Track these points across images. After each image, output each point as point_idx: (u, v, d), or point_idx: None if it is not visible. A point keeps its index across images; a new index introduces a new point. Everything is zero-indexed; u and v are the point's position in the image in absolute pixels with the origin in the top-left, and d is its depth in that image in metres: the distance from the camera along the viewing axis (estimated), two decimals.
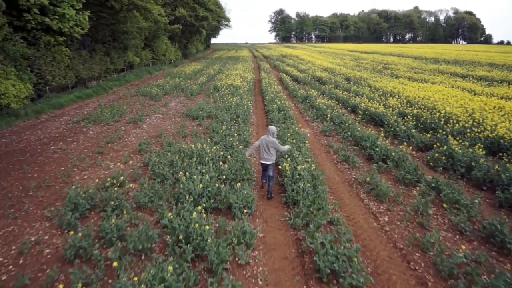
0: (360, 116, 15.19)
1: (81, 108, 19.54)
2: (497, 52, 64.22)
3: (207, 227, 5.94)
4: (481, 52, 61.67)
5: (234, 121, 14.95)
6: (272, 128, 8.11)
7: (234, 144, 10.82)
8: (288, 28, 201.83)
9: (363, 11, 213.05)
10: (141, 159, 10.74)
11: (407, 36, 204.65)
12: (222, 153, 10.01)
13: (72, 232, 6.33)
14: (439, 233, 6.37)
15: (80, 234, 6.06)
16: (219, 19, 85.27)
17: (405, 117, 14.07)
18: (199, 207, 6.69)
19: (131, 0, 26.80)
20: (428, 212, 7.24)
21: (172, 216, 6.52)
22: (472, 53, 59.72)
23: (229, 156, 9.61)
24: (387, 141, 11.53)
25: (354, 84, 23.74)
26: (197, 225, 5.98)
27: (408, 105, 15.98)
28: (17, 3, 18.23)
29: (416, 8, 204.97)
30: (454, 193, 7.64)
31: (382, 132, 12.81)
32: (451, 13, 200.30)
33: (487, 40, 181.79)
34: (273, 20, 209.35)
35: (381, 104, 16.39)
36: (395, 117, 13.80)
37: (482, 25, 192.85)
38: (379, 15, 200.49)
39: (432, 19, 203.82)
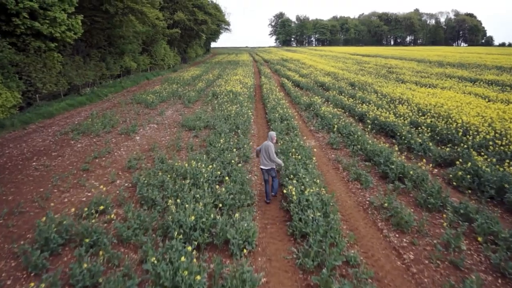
0: (369, 126, 14.11)
1: (72, 117, 18.49)
2: (501, 54, 63.23)
3: (198, 277, 4.85)
4: (485, 55, 60.68)
5: (234, 132, 13.89)
6: (272, 133, 8.31)
7: (232, 161, 9.74)
8: (288, 31, 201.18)
9: (363, 14, 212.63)
10: (130, 178, 9.67)
11: (408, 38, 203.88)
12: (219, 172, 8.93)
13: (34, 283, 5.24)
14: (480, 279, 5.26)
15: (43, 285, 4.97)
16: (219, 23, 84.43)
17: (419, 128, 13.00)
18: (189, 248, 5.58)
19: (126, 4, 25.86)
20: (461, 248, 6.15)
21: (157, 259, 5.42)
22: (476, 55, 58.74)
23: (227, 178, 8.51)
24: (403, 156, 10.44)
25: (359, 90, 22.69)
26: (186, 272, 4.90)
27: (419, 114, 14.92)
28: (5, 7, 17.27)
29: (416, 10, 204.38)
30: (488, 222, 6.55)
31: (395, 144, 11.75)
32: (451, 15, 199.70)
33: (489, 42, 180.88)
34: (273, 24, 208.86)
35: (391, 112, 15.32)
36: (407, 127, 12.70)
37: (483, 27, 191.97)
38: (380, 17, 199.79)
39: (433, 21, 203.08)
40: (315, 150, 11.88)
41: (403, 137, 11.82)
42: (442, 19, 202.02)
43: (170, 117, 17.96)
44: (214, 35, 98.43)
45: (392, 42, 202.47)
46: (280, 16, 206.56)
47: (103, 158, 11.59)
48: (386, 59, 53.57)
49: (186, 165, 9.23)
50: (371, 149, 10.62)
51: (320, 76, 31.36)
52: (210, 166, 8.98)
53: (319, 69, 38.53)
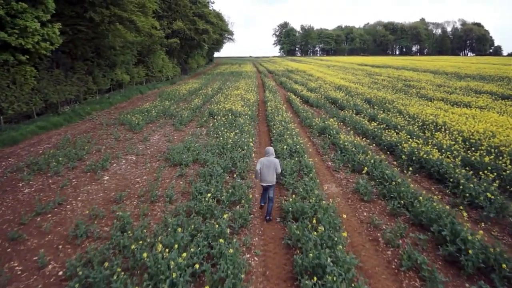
0: (404, 163, 10.89)
1: (39, 143, 15.43)
2: None
3: None
4: (502, 66, 57.35)
5: (229, 172, 10.74)
6: (271, 149, 8.08)
7: (222, 233, 6.54)
8: (292, 41, 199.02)
9: (368, 23, 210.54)
10: (73, 253, 6.49)
11: (414, 48, 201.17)
12: (202, 254, 5.73)
13: None
14: None
15: None
16: (222, 32, 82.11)
17: (473, 169, 9.77)
18: None
19: (113, 11, 23.00)
20: None
21: None
22: (492, 66, 55.43)
23: (209, 275, 5.31)
24: (466, 217, 7.18)
25: (379, 108, 19.50)
26: None
27: (466, 145, 11.70)
28: None
29: (422, 20, 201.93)
30: None
31: (446, 193, 8.52)
32: (458, 25, 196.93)
33: (497, 52, 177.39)
34: (277, 33, 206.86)
35: (429, 143, 12.10)
36: (462, 171, 9.43)
37: (491, 37, 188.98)
38: (385, 27, 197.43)
39: (439, 31, 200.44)
40: (338, 201, 8.67)
41: (461, 186, 8.57)
42: (449, 29, 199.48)
43: (154, 144, 14.82)
44: (217, 45, 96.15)
45: (397, 52, 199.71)
46: (284, 25, 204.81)
47: (49, 215, 8.44)
48: (398, 70, 50.42)
49: (157, 247, 6.01)
50: (424, 210, 7.37)
51: (331, 90, 28.22)
52: (185, 254, 5.72)
53: (328, 81, 35.43)
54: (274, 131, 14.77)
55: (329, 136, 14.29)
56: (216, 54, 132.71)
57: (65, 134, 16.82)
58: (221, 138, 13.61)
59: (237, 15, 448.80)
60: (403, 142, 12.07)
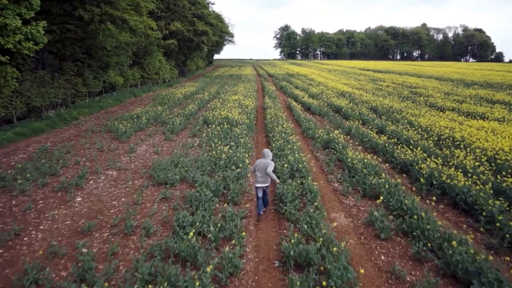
0: (423, 187, 9.43)
1: (15, 153, 13.95)
2: None
3: None
4: (507, 73, 56.09)
5: (221, 194, 9.27)
6: (268, 151, 8.21)
7: None
8: (293, 44, 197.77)
9: (369, 27, 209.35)
10: None
11: (415, 53, 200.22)
12: None
13: None
14: None
15: None
16: (222, 34, 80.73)
17: (507, 198, 8.31)
18: None
19: (104, 9, 21.57)
20: None
21: None
22: (497, 73, 54.10)
23: None
24: None
25: (387, 119, 18.08)
26: None
27: (492, 166, 10.25)
28: None
29: (424, 25, 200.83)
30: None
31: (480, 231, 7.07)
32: (459, 31, 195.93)
33: (499, 58, 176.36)
34: (278, 36, 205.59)
35: (448, 162, 10.66)
36: (496, 202, 7.94)
37: (492, 43, 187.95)
38: (386, 32, 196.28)
39: (441, 36, 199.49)
40: (349, 239, 7.20)
41: (497, 224, 7.11)
42: (450, 34, 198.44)
43: (140, 156, 13.35)
44: (217, 47, 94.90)
45: (398, 57, 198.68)
46: (285, 28, 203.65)
47: (0, 251, 6.97)
48: (401, 76, 49.05)
49: None
50: (457, 258, 5.90)
51: (334, 97, 26.79)
52: None
53: (330, 87, 34.00)
54: (273, 144, 13.30)
55: (335, 151, 12.83)
56: (216, 56, 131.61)
57: (45, 142, 15.36)
58: (214, 152, 12.13)
59: (238, 17, 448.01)
60: (420, 161, 10.62)
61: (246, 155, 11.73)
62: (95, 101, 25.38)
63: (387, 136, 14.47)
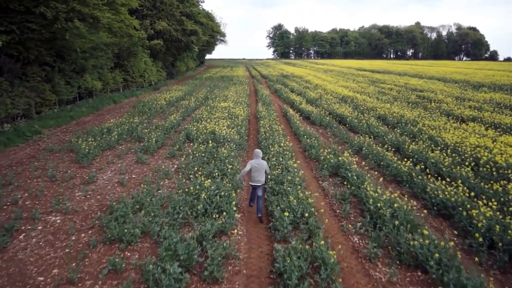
0: (481, 248, 6.71)
1: None
2: None
3: None
4: (509, 72, 53.82)
5: (195, 265, 6.45)
6: (259, 151, 8.43)
7: None
8: (287, 43, 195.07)
9: (363, 26, 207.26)
10: None
11: (409, 52, 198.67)
12: None
13: None
14: None
15: None
16: (213, 34, 77.69)
17: None
18: None
19: (71, 5, 18.60)
20: None
21: None
22: (499, 73, 51.74)
23: None
24: None
25: (402, 132, 15.39)
26: None
27: None
28: None
29: (418, 23, 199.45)
30: None
31: None
32: (453, 29, 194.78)
33: (493, 57, 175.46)
34: (271, 36, 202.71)
35: (508, 207, 7.95)
36: None
37: (486, 41, 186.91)
38: (380, 30, 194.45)
39: (434, 35, 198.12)
40: None
41: None
42: (444, 33, 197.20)
43: (99, 190, 10.46)
44: (208, 47, 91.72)
45: (393, 56, 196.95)
46: (278, 27, 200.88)
47: None
48: (401, 77, 46.50)
49: None
50: None
51: (335, 103, 24.08)
52: None
53: (329, 90, 31.29)
54: (270, 175, 10.48)
55: (347, 183, 10.07)
56: (207, 56, 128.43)
57: None
58: (192, 188, 9.28)
59: (231, 16, 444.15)
60: (466, 203, 7.89)
61: (233, 194, 8.89)
62: (65, 111, 22.34)
63: (409, 159, 11.71)
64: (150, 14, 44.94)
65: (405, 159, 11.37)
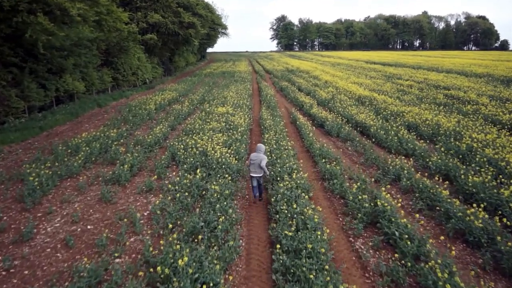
0: None
1: None
2: None
3: None
4: None
5: None
6: (262, 146, 9.06)
7: None
8: (290, 35, 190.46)
9: (369, 17, 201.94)
10: None
11: (416, 42, 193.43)
12: None
13: None
14: None
15: None
16: (214, 26, 74.00)
17: None
18: None
19: None
20: None
21: None
22: None
23: None
24: None
25: (446, 150, 11.96)
26: None
27: None
28: None
29: (425, 13, 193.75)
30: None
31: None
32: (462, 18, 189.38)
33: (504, 46, 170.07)
34: (275, 27, 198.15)
35: None
36: None
37: (496, 31, 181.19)
38: (387, 20, 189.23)
39: (442, 24, 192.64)
40: None
41: None
42: (452, 22, 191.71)
43: (32, 258, 7.18)
44: (210, 40, 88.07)
45: (399, 46, 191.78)
46: (282, 19, 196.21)
47: None
48: (416, 71, 42.73)
49: None
50: None
51: (351, 105, 20.60)
52: None
53: (341, 89, 27.77)
54: (279, 234, 7.12)
55: (395, 245, 6.73)
56: (209, 50, 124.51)
57: None
58: (159, 268, 5.97)
59: (232, 8, 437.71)
60: None
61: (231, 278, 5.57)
62: (35, 120, 19.08)
63: (471, 197, 8.30)
64: (144, 6, 41.47)
65: (464, 199, 7.96)
